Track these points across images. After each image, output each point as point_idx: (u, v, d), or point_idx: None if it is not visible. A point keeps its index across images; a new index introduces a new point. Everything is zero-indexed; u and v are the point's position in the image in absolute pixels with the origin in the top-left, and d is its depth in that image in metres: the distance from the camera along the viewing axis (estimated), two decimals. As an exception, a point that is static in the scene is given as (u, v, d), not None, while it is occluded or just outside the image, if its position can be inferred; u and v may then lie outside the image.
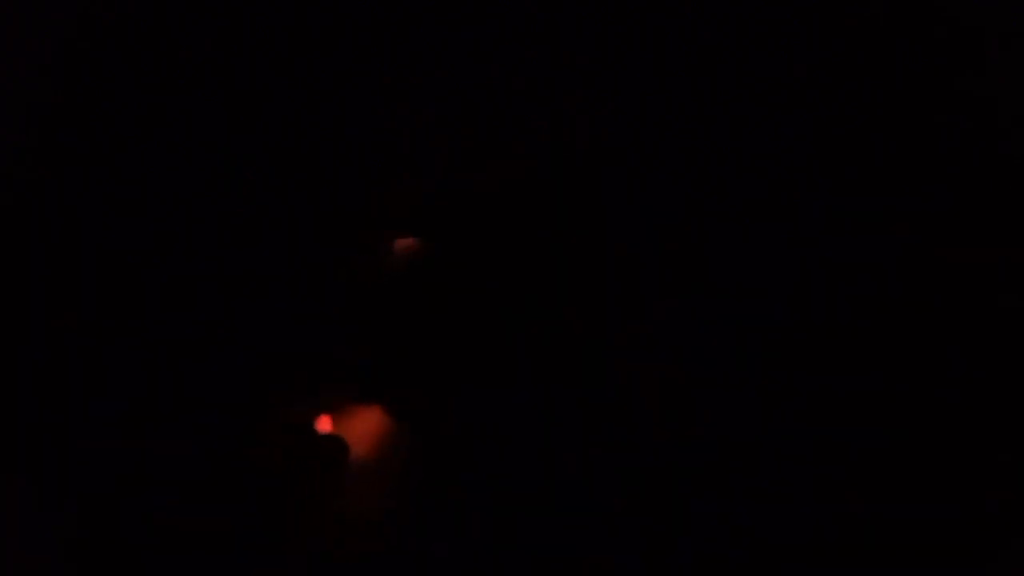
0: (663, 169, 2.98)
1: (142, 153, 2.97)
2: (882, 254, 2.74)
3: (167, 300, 2.93)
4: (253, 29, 3.00)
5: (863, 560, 2.54)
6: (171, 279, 2.96)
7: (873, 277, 2.73)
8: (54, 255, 2.94)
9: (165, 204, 2.99)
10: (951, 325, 2.66)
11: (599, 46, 2.97)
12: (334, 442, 2.95)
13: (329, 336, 3.02)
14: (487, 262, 3.28)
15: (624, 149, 3.01)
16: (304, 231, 3.06)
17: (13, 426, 2.76)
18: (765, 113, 2.84)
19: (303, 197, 3.09)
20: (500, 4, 2.98)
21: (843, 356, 2.71)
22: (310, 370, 2.98)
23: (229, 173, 3.03)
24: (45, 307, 2.89)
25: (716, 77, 2.90)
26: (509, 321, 3.27)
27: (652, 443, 2.86)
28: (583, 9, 2.96)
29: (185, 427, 2.83)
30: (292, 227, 3.07)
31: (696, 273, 2.95)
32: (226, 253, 3.01)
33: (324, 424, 3.00)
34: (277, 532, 2.78)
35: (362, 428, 3.02)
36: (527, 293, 3.27)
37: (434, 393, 3.01)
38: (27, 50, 2.80)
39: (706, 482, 2.75)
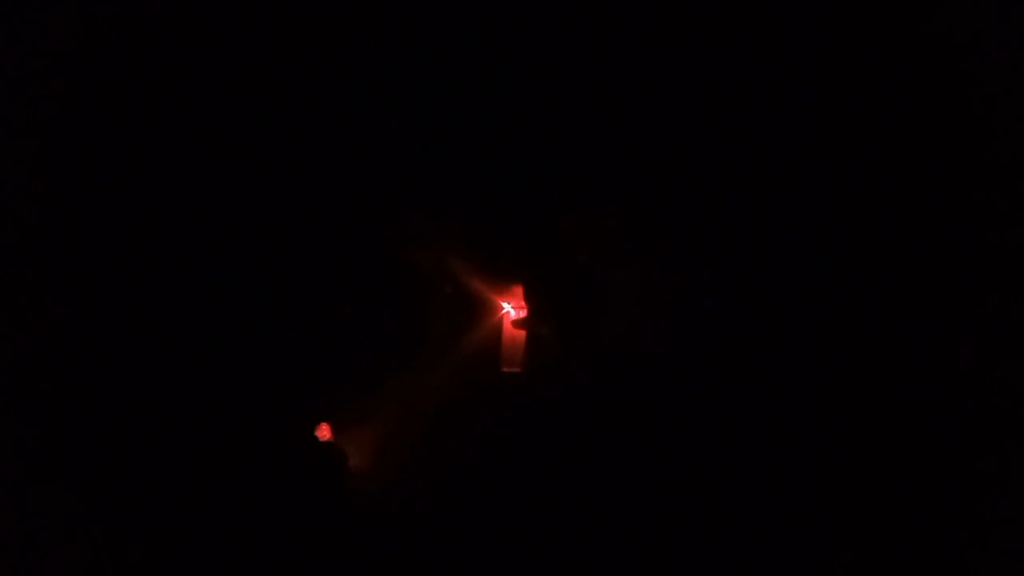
0: (662, 169, 2.97)
1: (144, 154, 2.98)
2: (882, 254, 2.72)
3: (171, 304, 2.93)
4: (264, 34, 3.00)
5: (862, 558, 2.52)
6: (175, 282, 2.96)
7: (873, 277, 2.71)
8: (56, 254, 2.94)
9: (170, 206, 3.00)
10: (951, 324, 2.63)
11: (598, 46, 2.97)
12: (333, 450, 2.97)
13: (330, 344, 3.02)
14: (487, 263, 3.28)
15: (624, 149, 3.01)
16: (307, 239, 3.06)
17: (17, 425, 2.76)
18: (764, 113, 2.83)
19: (306, 203, 3.09)
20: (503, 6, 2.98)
21: (843, 356, 2.68)
22: (311, 377, 2.98)
23: (235, 177, 3.03)
24: (46, 306, 2.89)
25: (716, 78, 2.89)
26: (506, 322, 3.26)
27: (651, 443, 2.84)
28: (583, 10, 2.97)
29: (186, 429, 2.83)
30: (296, 235, 3.07)
31: (696, 273, 2.94)
32: (231, 259, 3.01)
33: (324, 432, 3.03)
34: (273, 531, 2.78)
35: (360, 436, 3.03)
36: (526, 293, 3.27)
37: (430, 395, 3.01)
38: (27, 50, 2.81)
39: (706, 481, 2.73)
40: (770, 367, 2.77)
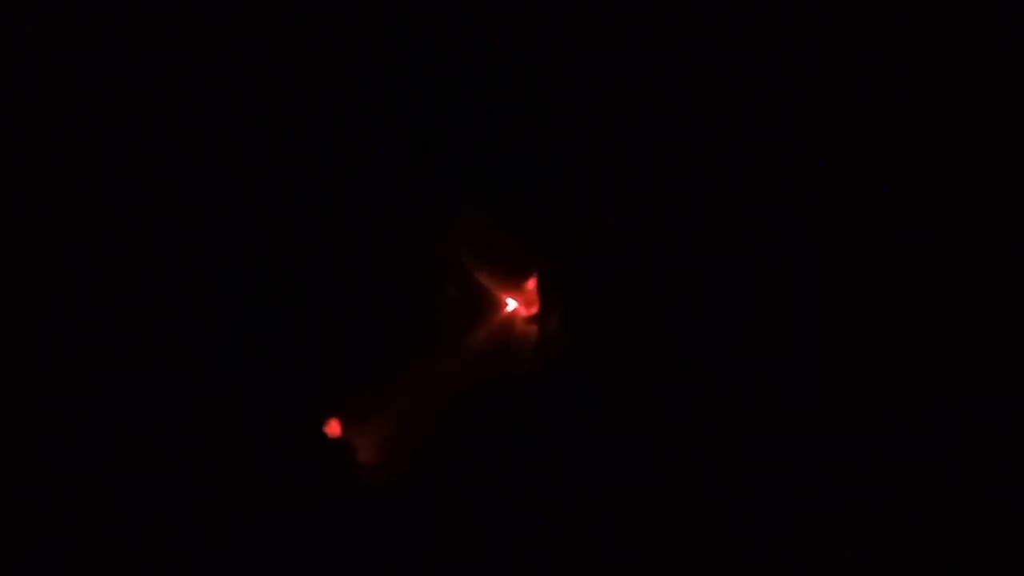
0: (675, 164, 2.97)
1: (146, 154, 2.96)
2: (881, 254, 2.73)
3: (179, 300, 2.93)
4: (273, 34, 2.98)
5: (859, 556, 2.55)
6: (184, 279, 2.96)
7: (871, 277, 2.73)
8: (58, 254, 2.93)
9: (173, 203, 2.99)
10: (950, 324, 2.65)
11: (618, 37, 2.96)
12: (342, 446, 2.96)
13: (343, 341, 3.01)
14: (496, 259, 3.28)
15: (637, 143, 3.01)
16: (316, 235, 3.05)
17: (19, 423, 2.76)
18: (764, 114, 2.83)
19: (312, 199, 3.08)
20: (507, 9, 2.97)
21: (843, 356, 2.70)
22: (320, 374, 2.97)
23: (245, 173, 3.02)
24: (49, 304, 2.88)
25: (717, 79, 2.89)
26: (510, 320, 3.26)
27: (661, 439, 2.86)
28: (585, 12, 2.96)
29: (194, 426, 2.83)
30: (302, 231, 3.06)
31: (695, 275, 2.94)
32: (238, 255, 3.01)
33: (333, 428, 3.02)
34: (283, 527, 2.78)
35: (370, 433, 3.03)
36: (539, 288, 3.27)
37: (440, 392, 3.01)
38: (27, 50, 2.79)
39: (703, 480, 2.75)
40: (776, 366, 2.78)
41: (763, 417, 2.74)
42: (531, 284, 3.32)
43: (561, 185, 3.08)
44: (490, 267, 3.27)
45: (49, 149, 2.86)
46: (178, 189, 2.95)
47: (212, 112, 2.95)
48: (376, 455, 2.92)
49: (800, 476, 2.65)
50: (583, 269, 3.12)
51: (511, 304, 3.27)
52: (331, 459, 2.90)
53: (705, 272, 2.92)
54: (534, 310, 3.28)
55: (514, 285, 3.30)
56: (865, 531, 2.53)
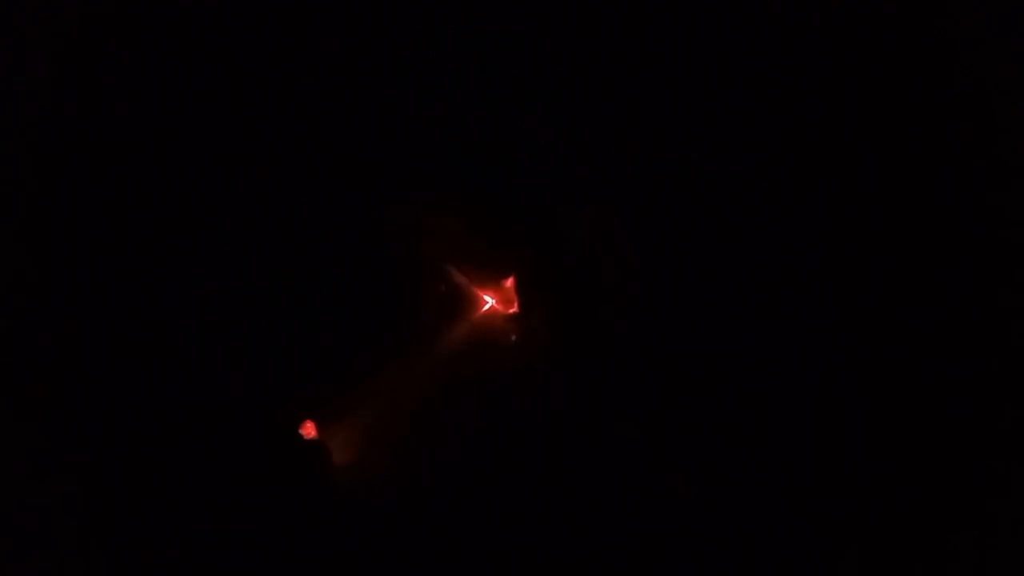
0: (662, 162, 2.97)
1: (146, 156, 2.96)
2: (881, 253, 2.74)
3: (163, 304, 2.93)
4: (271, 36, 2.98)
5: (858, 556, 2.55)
6: (167, 283, 2.95)
7: (870, 276, 2.73)
8: (58, 256, 2.93)
9: (165, 207, 2.99)
10: (950, 323, 2.65)
11: (600, 36, 2.96)
12: (318, 447, 2.95)
13: (317, 341, 3.01)
14: (476, 257, 3.28)
15: (622, 141, 3.01)
16: (295, 236, 3.04)
17: (17, 426, 2.76)
18: (764, 114, 2.83)
19: (298, 205, 3.07)
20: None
21: (841, 356, 2.70)
22: (294, 374, 2.97)
23: (230, 178, 3.02)
24: (48, 307, 2.89)
25: (717, 72, 2.89)
26: (492, 316, 3.27)
27: (645, 442, 2.86)
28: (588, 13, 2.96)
29: (165, 429, 2.83)
30: (281, 231, 3.05)
31: (677, 273, 2.94)
32: (224, 259, 3.00)
33: (308, 430, 3.01)
34: (258, 530, 2.78)
35: (345, 434, 3.02)
36: (518, 287, 3.27)
37: (416, 392, 3.01)
38: (27, 52, 2.79)
39: (701, 480, 2.76)
40: (768, 366, 2.79)
41: (759, 417, 2.75)
42: (509, 283, 3.32)
43: (541, 183, 3.07)
44: (468, 265, 3.26)
45: (49, 149, 2.86)
46: (153, 191, 2.93)
47: (188, 113, 2.93)
48: (352, 456, 2.90)
49: (799, 476, 2.66)
50: (562, 267, 3.11)
51: (490, 302, 3.28)
52: (307, 461, 2.89)
53: (687, 270, 2.92)
54: (513, 308, 3.28)
55: (493, 283, 3.30)
56: (865, 531, 2.53)
